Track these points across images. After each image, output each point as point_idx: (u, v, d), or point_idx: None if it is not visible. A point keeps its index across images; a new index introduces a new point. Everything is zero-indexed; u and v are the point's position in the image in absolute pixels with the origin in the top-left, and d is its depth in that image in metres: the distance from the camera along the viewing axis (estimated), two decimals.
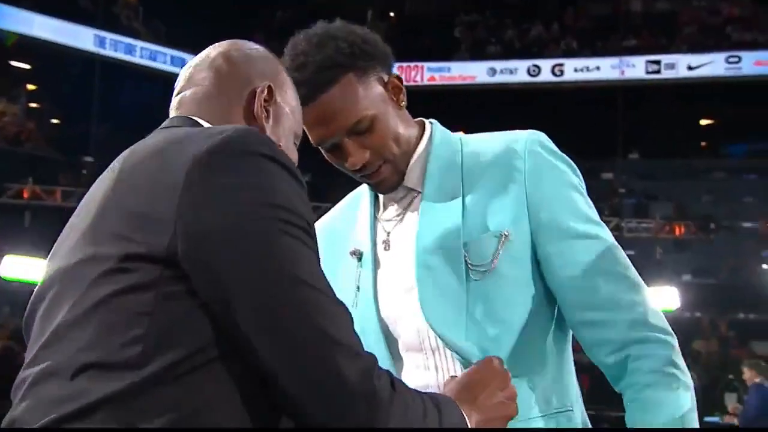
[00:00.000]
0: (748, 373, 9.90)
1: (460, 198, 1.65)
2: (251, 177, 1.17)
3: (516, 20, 20.74)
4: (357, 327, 1.46)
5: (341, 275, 1.72)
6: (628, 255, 1.67)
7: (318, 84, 1.59)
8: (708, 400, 11.36)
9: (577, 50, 19.68)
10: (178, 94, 1.43)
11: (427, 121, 1.78)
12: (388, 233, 1.72)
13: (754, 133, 20.45)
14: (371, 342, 1.67)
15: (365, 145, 1.64)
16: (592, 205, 1.68)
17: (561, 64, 19.12)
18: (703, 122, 21.53)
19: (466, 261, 1.61)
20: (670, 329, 1.62)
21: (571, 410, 1.66)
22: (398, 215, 1.72)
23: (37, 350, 1.22)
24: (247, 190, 1.16)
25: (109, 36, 17.74)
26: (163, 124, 1.39)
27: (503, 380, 1.42)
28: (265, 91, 1.40)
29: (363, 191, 1.80)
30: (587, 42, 19.97)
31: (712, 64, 18.64)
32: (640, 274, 1.64)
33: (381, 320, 1.68)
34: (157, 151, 1.24)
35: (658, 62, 18.74)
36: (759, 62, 18.59)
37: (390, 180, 1.69)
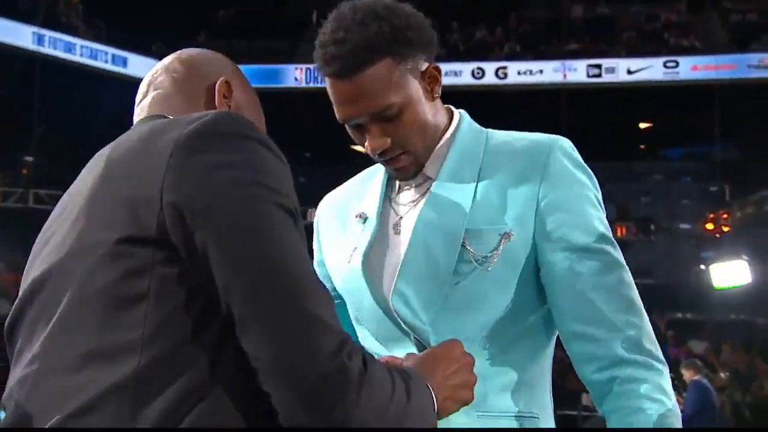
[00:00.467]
0: (686, 373, 10.03)
1: (473, 187, 1.62)
2: (238, 155, 1.18)
3: (460, 23, 20.88)
4: (350, 285, 1.64)
5: (345, 237, 1.71)
6: None
7: (353, 64, 1.54)
8: None
9: (521, 53, 19.89)
10: (140, 102, 1.46)
11: (456, 111, 1.74)
12: (401, 217, 1.67)
13: (690, 137, 20.91)
14: (357, 302, 1.66)
15: (388, 132, 1.60)
16: (606, 223, 1.63)
17: (504, 67, 19.33)
18: (642, 125, 21.93)
19: (464, 245, 1.57)
20: (662, 357, 1.58)
21: (537, 418, 1.62)
22: (413, 201, 1.68)
23: (38, 347, 1.21)
24: (235, 168, 1.17)
25: (48, 34, 17.44)
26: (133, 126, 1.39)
27: (467, 365, 1.43)
28: (224, 86, 1.44)
29: (380, 166, 1.75)
30: (530, 46, 20.20)
31: (651, 69, 19.01)
32: None
33: (367, 282, 1.64)
34: (141, 139, 1.24)
35: (599, 66, 19.05)
36: (695, 67, 19.01)
37: (407, 169, 1.66)
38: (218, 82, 1.43)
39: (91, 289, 1.17)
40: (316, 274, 1.21)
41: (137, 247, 1.15)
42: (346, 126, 1.64)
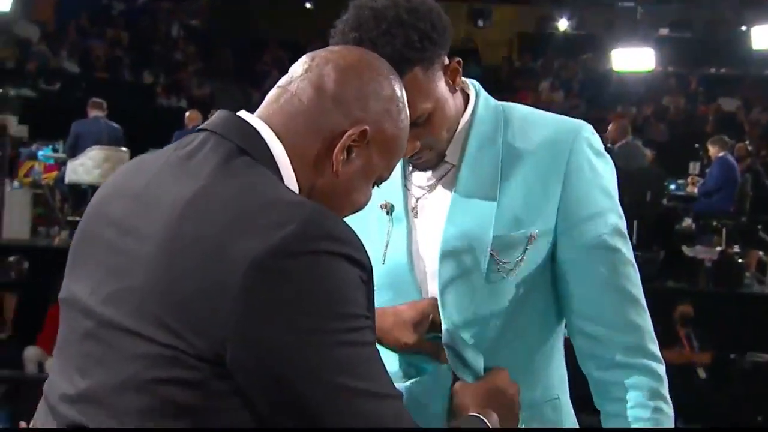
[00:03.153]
0: (712, 149, 10.08)
1: (497, 185, 1.59)
2: (311, 284, 1.14)
3: None
4: (387, 282, 1.60)
5: (368, 226, 1.65)
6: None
7: None
8: (671, 161, 11.56)
9: None
10: (279, 87, 1.34)
11: (471, 87, 1.67)
12: (417, 200, 1.65)
13: None
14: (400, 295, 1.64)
15: (418, 136, 1.55)
16: (622, 214, 1.64)
17: None
18: None
19: (492, 254, 1.57)
20: (660, 356, 1.63)
21: (557, 398, 1.69)
22: (429, 185, 1.65)
23: (75, 393, 1.22)
24: (307, 301, 1.13)
25: None
26: (227, 123, 1.28)
27: (513, 397, 1.53)
28: (356, 135, 1.29)
29: None
30: None
31: None
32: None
33: (414, 278, 1.64)
34: (221, 222, 1.16)
35: None
36: None
37: (431, 161, 1.63)
38: (351, 131, 1.29)
39: (138, 380, 1.15)
40: (391, 385, 1.21)
41: (192, 359, 1.13)
42: None
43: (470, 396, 1.51)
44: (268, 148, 1.26)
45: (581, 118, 1.66)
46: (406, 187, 1.66)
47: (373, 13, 1.48)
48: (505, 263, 1.58)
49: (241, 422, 1.15)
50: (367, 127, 1.30)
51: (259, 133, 1.26)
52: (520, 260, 1.58)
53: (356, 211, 1.37)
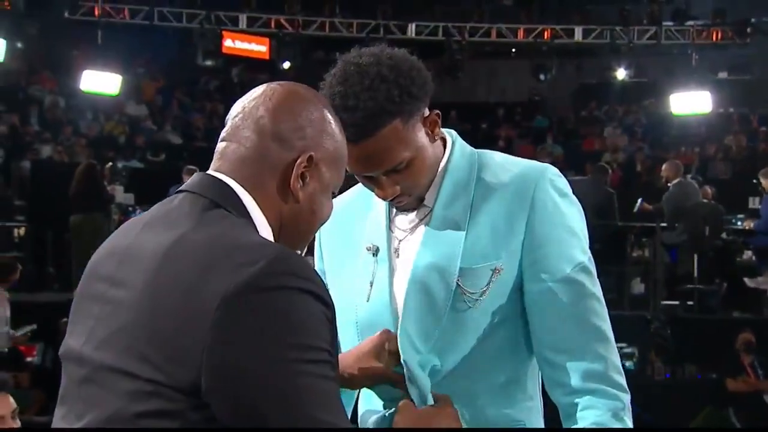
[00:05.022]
0: (764, 182, 9.42)
1: (466, 221, 1.63)
2: (278, 317, 1.18)
3: None
4: (371, 319, 1.65)
5: (355, 267, 1.71)
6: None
7: (365, 129, 1.53)
8: (731, 198, 11.26)
9: None
10: (224, 140, 1.39)
11: (448, 136, 1.71)
12: (400, 242, 1.69)
13: None
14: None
15: (398, 181, 1.61)
16: (588, 252, 1.64)
17: None
18: None
19: (458, 284, 1.59)
20: (626, 386, 1.61)
21: (523, 423, 1.66)
22: (411, 227, 1.69)
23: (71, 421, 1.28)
24: (274, 333, 1.17)
25: None
26: (201, 182, 1.35)
27: (453, 419, 1.56)
28: (304, 162, 1.36)
29: None
30: None
31: None
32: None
33: (393, 313, 1.66)
34: (196, 264, 1.22)
35: None
36: None
37: (411, 205, 1.67)
38: (300, 159, 1.35)
39: (122, 415, 1.20)
40: (347, 420, 1.24)
41: (171, 391, 1.18)
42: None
43: (409, 418, 1.55)
44: (238, 197, 1.33)
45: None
46: (390, 229, 1.71)
47: (357, 69, 1.55)
48: (470, 293, 1.59)
49: None
50: (312, 153, 1.36)
51: (229, 186, 1.33)
52: (485, 291, 1.59)
53: (323, 224, 1.43)
